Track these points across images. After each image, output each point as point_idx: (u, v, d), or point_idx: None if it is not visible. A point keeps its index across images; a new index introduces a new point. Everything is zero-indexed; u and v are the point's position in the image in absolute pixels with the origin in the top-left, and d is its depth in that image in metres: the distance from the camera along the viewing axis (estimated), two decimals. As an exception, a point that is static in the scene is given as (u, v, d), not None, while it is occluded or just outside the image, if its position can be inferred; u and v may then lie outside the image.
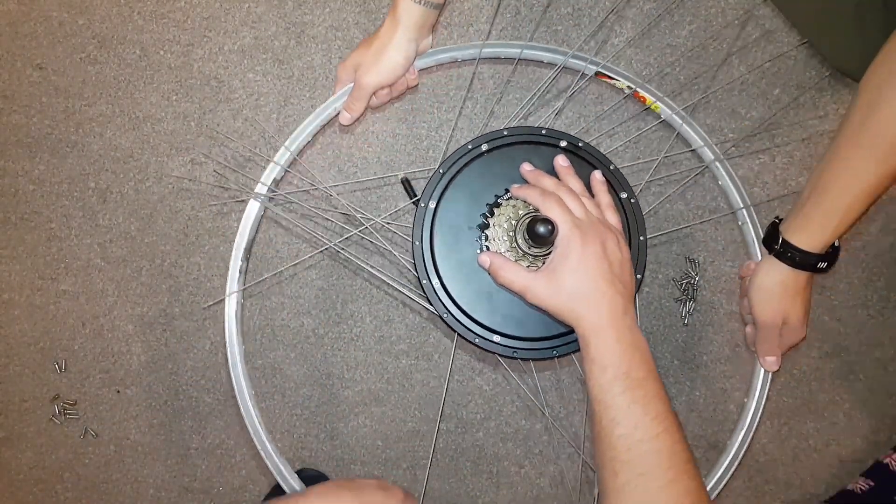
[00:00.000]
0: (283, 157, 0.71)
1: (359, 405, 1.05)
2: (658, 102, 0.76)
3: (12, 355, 1.07)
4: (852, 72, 0.95)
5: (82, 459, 1.08)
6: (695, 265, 1.00)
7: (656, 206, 1.02)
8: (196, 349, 1.07)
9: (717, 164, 0.76)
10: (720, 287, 1.04)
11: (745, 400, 0.74)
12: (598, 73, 0.75)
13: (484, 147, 0.67)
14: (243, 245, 0.70)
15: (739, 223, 0.76)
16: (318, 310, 1.05)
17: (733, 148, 1.02)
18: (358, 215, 0.72)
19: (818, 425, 1.04)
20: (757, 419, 0.73)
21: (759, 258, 0.72)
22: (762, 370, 0.73)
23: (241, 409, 0.70)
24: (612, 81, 0.75)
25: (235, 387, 0.69)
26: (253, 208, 0.71)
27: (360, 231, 0.73)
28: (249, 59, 1.05)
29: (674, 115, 0.76)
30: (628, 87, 0.75)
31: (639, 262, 0.67)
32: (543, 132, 0.68)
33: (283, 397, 1.06)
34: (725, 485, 0.71)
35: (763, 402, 0.72)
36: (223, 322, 0.68)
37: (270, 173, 0.71)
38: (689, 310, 0.99)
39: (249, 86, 1.05)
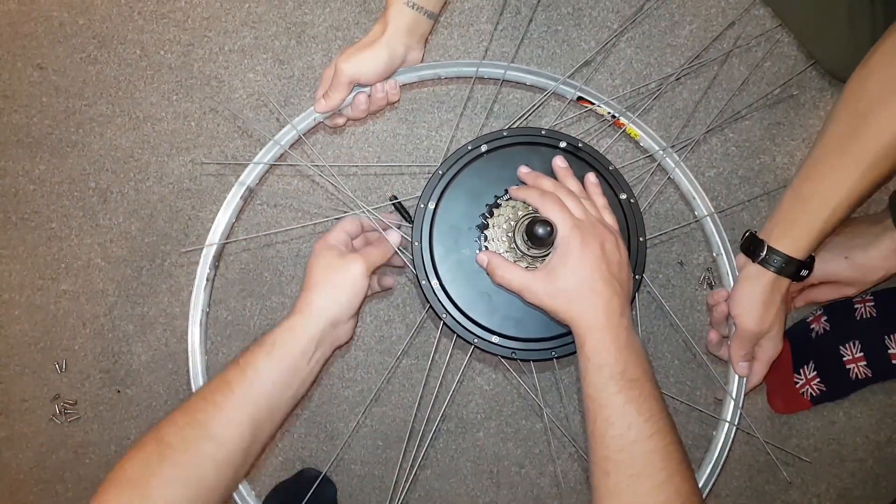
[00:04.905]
0: (286, 135, 0.70)
1: (359, 405, 1.05)
2: (632, 126, 0.75)
3: (12, 355, 1.07)
4: (845, 77, 0.95)
5: (82, 459, 1.08)
6: (683, 267, 1.00)
7: (655, 203, 1.02)
8: (196, 349, 1.07)
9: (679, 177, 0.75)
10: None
11: (720, 398, 0.72)
12: (579, 99, 0.74)
13: (483, 148, 0.67)
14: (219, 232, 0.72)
15: (714, 254, 0.76)
16: (318, 310, 1.05)
17: (734, 148, 1.02)
18: (355, 203, 0.71)
19: (818, 425, 1.04)
20: (731, 435, 0.70)
21: (731, 286, 0.72)
22: (736, 377, 0.71)
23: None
24: (593, 107, 0.74)
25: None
26: (237, 193, 0.70)
27: (355, 213, 0.71)
28: (250, 59, 1.05)
29: (657, 149, 0.76)
30: (609, 113, 0.74)
31: (638, 262, 0.67)
32: (543, 133, 0.68)
33: (283, 397, 1.06)
34: (710, 490, 0.69)
35: (739, 411, 0.70)
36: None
37: (269, 150, 0.71)
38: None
39: (250, 86, 1.05)
